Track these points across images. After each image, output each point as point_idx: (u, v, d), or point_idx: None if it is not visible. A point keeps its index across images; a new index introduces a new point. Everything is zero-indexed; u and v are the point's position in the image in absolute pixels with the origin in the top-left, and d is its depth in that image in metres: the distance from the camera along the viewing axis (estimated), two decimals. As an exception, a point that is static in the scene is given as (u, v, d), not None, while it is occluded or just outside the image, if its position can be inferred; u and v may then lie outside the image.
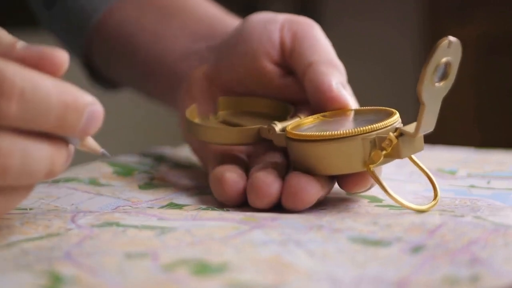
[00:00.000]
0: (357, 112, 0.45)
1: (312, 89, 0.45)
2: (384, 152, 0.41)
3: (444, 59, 0.38)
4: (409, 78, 2.55)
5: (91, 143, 0.39)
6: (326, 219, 0.41)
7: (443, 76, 0.39)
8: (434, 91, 0.39)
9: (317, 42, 0.47)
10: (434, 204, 0.42)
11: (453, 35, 0.39)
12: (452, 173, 0.50)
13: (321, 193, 0.43)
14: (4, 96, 0.34)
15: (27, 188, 0.37)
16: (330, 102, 0.45)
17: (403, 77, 2.51)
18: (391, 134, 0.41)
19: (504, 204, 0.44)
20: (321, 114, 0.45)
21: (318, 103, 0.45)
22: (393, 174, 0.46)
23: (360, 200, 0.45)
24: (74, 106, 0.36)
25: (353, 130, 0.41)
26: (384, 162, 0.42)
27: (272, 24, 0.48)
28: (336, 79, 0.45)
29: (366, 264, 0.33)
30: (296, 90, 0.48)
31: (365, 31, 2.52)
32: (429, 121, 0.40)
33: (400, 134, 0.41)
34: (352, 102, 0.45)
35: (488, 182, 0.49)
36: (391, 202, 0.45)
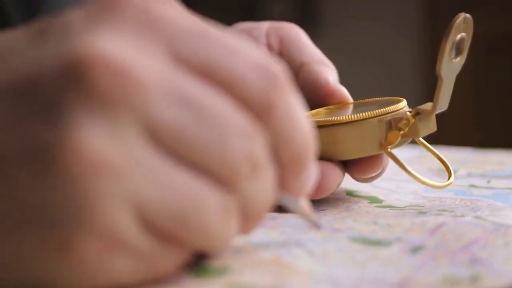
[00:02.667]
0: (362, 103, 0.45)
1: (310, 87, 0.46)
2: (401, 132, 0.42)
3: (459, 35, 0.39)
4: (408, 77, 2.55)
5: (307, 206, 0.34)
6: (326, 219, 0.41)
7: (458, 52, 0.40)
8: (451, 67, 0.40)
9: (304, 45, 0.48)
10: (451, 183, 0.43)
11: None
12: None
13: (341, 177, 0.43)
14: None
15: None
16: (330, 96, 0.45)
17: (403, 76, 2.51)
18: (408, 113, 0.42)
19: (504, 204, 0.44)
20: (325, 107, 0.45)
21: (317, 99, 0.46)
22: (394, 174, 0.46)
23: (360, 201, 0.45)
24: (308, 150, 0.31)
25: (369, 113, 0.42)
26: (400, 143, 0.42)
27: (257, 30, 0.49)
28: (331, 76, 0.46)
29: (366, 264, 0.33)
30: None
31: (365, 31, 2.52)
32: (444, 98, 0.41)
33: (416, 113, 0.42)
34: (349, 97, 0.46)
35: (488, 182, 0.49)
36: (391, 202, 0.45)
